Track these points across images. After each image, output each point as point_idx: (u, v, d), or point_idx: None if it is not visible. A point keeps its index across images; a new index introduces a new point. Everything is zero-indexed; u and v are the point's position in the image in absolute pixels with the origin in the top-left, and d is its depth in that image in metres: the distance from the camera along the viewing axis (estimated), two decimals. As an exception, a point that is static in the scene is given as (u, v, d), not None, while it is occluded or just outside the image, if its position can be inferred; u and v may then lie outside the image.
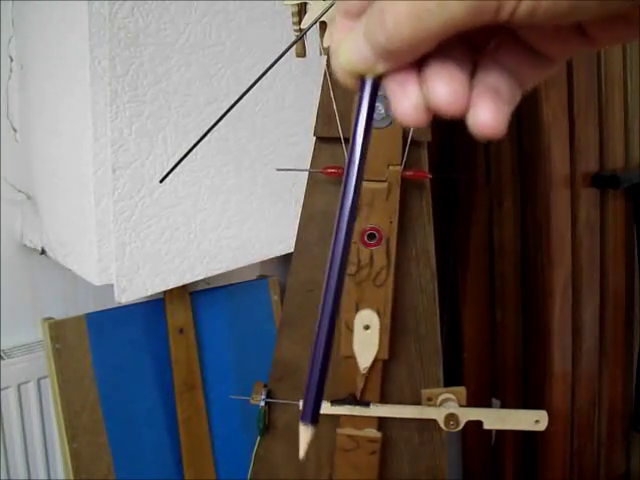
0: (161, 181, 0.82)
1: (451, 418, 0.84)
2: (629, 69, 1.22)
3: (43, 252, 1.15)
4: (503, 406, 1.33)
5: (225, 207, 1.12)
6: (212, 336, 1.29)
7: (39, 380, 1.19)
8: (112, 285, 1.01)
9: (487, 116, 0.25)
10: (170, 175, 0.79)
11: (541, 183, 1.18)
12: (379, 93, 0.27)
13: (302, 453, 0.28)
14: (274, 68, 0.63)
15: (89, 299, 1.24)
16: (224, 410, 1.29)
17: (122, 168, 0.96)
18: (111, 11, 0.89)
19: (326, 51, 0.72)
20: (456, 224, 1.33)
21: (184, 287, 1.19)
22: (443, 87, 0.25)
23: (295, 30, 0.71)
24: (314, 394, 0.28)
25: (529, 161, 1.21)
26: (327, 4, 0.66)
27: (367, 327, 0.83)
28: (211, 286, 1.29)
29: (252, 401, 0.92)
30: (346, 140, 0.82)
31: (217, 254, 1.12)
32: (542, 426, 0.85)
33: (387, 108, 0.76)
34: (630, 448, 1.39)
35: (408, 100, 0.25)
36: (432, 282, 0.86)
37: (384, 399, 0.88)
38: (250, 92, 0.64)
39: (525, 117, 1.19)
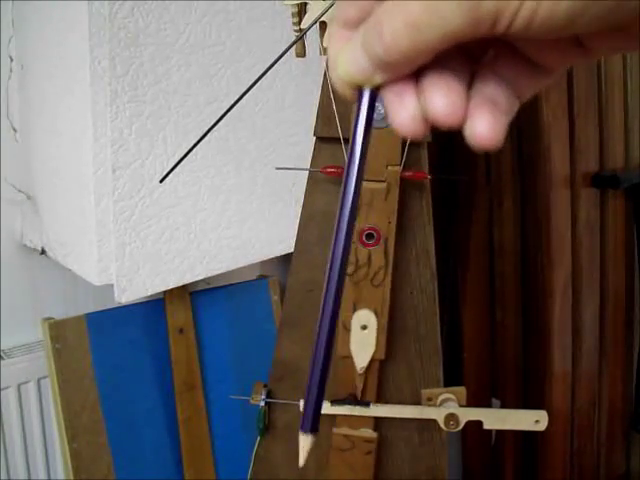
0: (161, 181, 0.82)
1: (451, 418, 0.84)
2: (629, 69, 1.22)
3: (43, 252, 1.15)
4: (503, 406, 1.33)
5: (225, 207, 1.12)
6: (212, 336, 1.29)
7: (39, 380, 1.19)
8: (112, 285, 1.01)
9: (484, 127, 0.25)
10: (170, 175, 0.79)
11: (541, 183, 1.18)
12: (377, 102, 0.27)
13: (302, 461, 0.29)
14: (274, 68, 0.63)
15: (89, 299, 1.24)
16: (224, 410, 1.29)
17: (122, 168, 0.96)
18: (111, 11, 0.89)
19: (326, 51, 0.72)
20: (456, 224, 1.33)
21: (184, 287, 1.19)
22: (440, 98, 0.25)
23: (295, 30, 0.71)
24: (314, 403, 0.28)
25: (529, 161, 1.21)
26: (327, 4, 0.66)
27: (364, 327, 0.83)
28: (211, 286, 1.29)
29: (252, 401, 0.92)
30: (346, 140, 0.82)
31: (217, 254, 1.12)
32: (542, 426, 0.85)
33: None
34: (630, 448, 1.39)
35: (405, 111, 0.26)
36: (432, 282, 0.86)
37: (383, 399, 0.88)
38: (250, 92, 0.64)
39: (525, 117, 1.19)
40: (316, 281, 0.87)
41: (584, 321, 1.24)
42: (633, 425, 1.34)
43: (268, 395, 0.91)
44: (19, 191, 1.16)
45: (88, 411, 1.15)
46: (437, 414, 0.85)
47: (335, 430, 0.87)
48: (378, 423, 0.89)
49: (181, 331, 1.24)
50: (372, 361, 0.85)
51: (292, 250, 0.89)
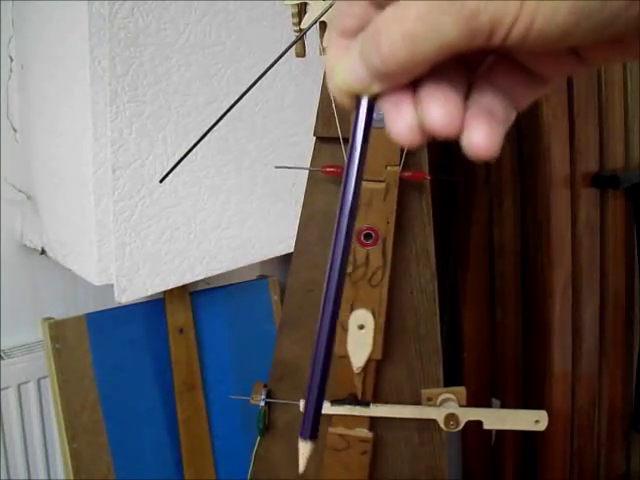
0: (161, 181, 0.82)
1: (451, 418, 0.84)
2: (629, 69, 1.22)
3: (43, 252, 1.15)
4: (503, 406, 1.33)
5: (225, 207, 1.12)
6: (212, 336, 1.29)
7: (39, 380, 1.19)
8: (112, 285, 1.01)
9: (481, 138, 0.25)
10: (170, 175, 0.79)
11: (541, 183, 1.18)
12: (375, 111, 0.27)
13: (302, 468, 0.29)
14: (274, 68, 0.63)
15: (89, 299, 1.24)
16: (224, 410, 1.29)
17: (122, 168, 0.96)
18: (111, 11, 0.89)
19: (326, 51, 0.72)
20: (456, 224, 1.33)
21: (184, 287, 1.19)
22: (438, 109, 0.25)
23: (295, 30, 0.71)
24: (313, 409, 0.28)
25: (529, 161, 1.21)
26: (327, 4, 0.66)
27: (361, 327, 0.83)
28: (211, 286, 1.29)
29: (252, 401, 0.92)
30: (345, 140, 0.82)
31: (217, 254, 1.12)
32: (542, 426, 0.85)
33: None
34: (630, 448, 1.39)
35: (403, 121, 0.26)
36: (432, 282, 0.86)
37: (383, 399, 0.88)
38: (250, 92, 0.64)
39: (525, 117, 1.19)
40: (316, 281, 0.87)
41: (584, 321, 1.24)
42: (633, 425, 1.34)
43: (268, 395, 0.91)
44: (19, 191, 1.16)
45: (88, 411, 1.15)
46: (437, 414, 0.85)
47: (331, 430, 0.87)
48: (374, 423, 0.89)
49: (181, 331, 1.24)
50: (369, 361, 0.84)
51: (292, 250, 0.89)
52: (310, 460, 0.28)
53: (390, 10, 0.24)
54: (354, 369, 0.84)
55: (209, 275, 1.14)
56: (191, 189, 1.06)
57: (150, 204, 1.01)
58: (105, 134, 0.94)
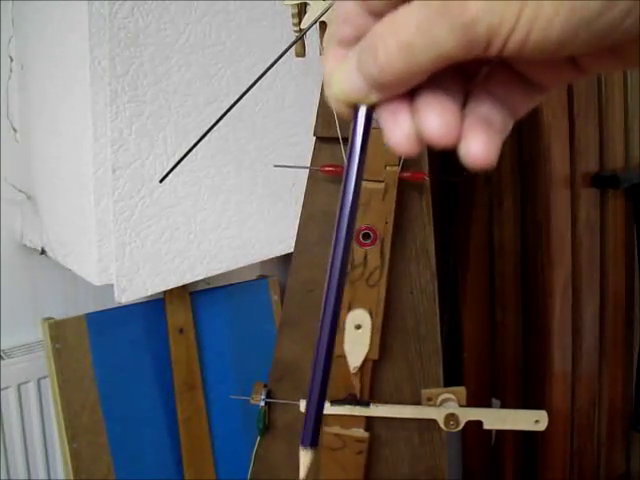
0: (161, 181, 0.82)
1: (451, 418, 0.84)
2: (629, 69, 1.22)
3: (43, 252, 1.15)
4: (503, 406, 1.33)
5: (225, 207, 1.12)
6: (212, 336, 1.29)
7: (39, 380, 1.19)
8: (112, 285, 1.01)
9: (478, 147, 0.25)
10: (170, 175, 0.79)
11: (541, 183, 1.18)
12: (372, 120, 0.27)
13: (302, 476, 0.29)
14: (274, 68, 0.63)
15: (89, 299, 1.24)
16: (224, 410, 1.29)
17: (122, 168, 0.96)
18: (111, 11, 0.89)
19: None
20: (456, 224, 1.33)
21: (184, 287, 1.19)
22: (435, 118, 0.25)
23: (295, 30, 0.71)
24: (313, 418, 0.28)
25: (529, 161, 1.21)
26: (327, 4, 0.66)
27: (359, 327, 0.83)
28: (211, 286, 1.29)
29: (252, 401, 0.92)
30: (345, 140, 0.82)
31: (217, 254, 1.12)
32: (542, 426, 0.85)
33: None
34: (630, 448, 1.39)
35: (400, 130, 0.26)
36: (432, 282, 0.86)
37: (383, 399, 0.88)
38: (250, 92, 0.64)
39: (525, 117, 1.18)
40: (316, 281, 0.87)
41: (584, 321, 1.24)
42: (633, 425, 1.34)
43: (268, 395, 0.91)
44: (19, 191, 1.16)
45: (88, 411, 1.15)
46: (437, 414, 0.85)
47: (327, 429, 0.87)
48: (373, 423, 0.89)
49: (181, 331, 1.24)
50: (366, 361, 0.84)
51: (292, 250, 0.89)
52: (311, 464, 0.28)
53: (387, 20, 0.24)
54: (351, 369, 0.84)
55: (209, 275, 1.14)
56: (191, 189, 1.06)
57: (150, 204, 1.01)
58: (105, 134, 0.94)
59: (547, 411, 0.85)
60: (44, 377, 1.19)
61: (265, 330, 1.34)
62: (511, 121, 0.27)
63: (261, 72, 0.63)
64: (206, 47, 1.02)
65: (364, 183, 0.78)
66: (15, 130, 1.14)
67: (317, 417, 0.28)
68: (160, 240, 1.04)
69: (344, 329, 0.83)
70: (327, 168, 0.83)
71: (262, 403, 0.91)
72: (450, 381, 0.93)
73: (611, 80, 1.21)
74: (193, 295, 1.26)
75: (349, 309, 0.83)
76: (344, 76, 0.26)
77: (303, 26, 0.69)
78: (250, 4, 1.06)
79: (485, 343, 1.35)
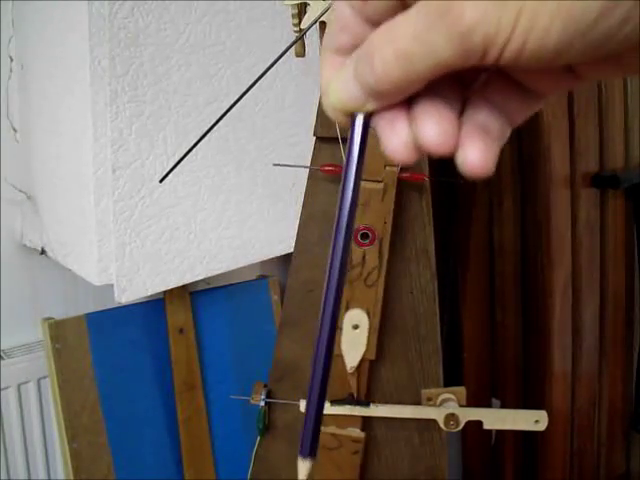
0: (161, 181, 0.82)
1: (451, 418, 0.84)
2: (629, 69, 1.22)
3: (43, 252, 1.15)
4: (503, 406, 1.33)
5: (225, 207, 1.12)
6: (212, 336, 1.29)
7: (39, 380, 1.19)
8: (112, 285, 1.01)
9: (476, 155, 0.25)
10: (170, 175, 0.79)
11: (541, 183, 1.18)
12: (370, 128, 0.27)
13: None
14: (274, 68, 0.63)
15: (89, 299, 1.24)
16: (224, 410, 1.29)
17: (122, 168, 0.96)
18: (111, 11, 0.89)
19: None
20: (456, 224, 1.33)
21: (184, 287, 1.19)
22: (432, 126, 0.25)
23: (295, 30, 0.71)
24: (312, 428, 0.28)
25: (529, 161, 1.21)
26: (327, 4, 0.66)
27: (356, 327, 0.83)
28: (211, 286, 1.29)
29: (252, 401, 0.92)
30: (345, 140, 0.82)
31: (217, 254, 1.12)
32: (542, 426, 0.85)
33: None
34: (630, 448, 1.39)
35: (397, 138, 0.26)
36: (432, 282, 0.86)
37: (383, 399, 0.88)
38: (250, 92, 0.64)
39: (525, 117, 1.18)
40: (316, 281, 0.87)
41: (584, 321, 1.24)
42: (633, 425, 1.34)
43: (268, 395, 0.91)
44: (19, 191, 1.16)
45: (88, 411, 1.15)
46: (437, 414, 0.85)
47: (323, 429, 0.87)
48: (371, 423, 0.89)
49: (181, 331, 1.24)
50: (363, 361, 0.84)
51: (292, 250, 0.89)
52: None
53: (383, 29, 0.24)
54: (348, 368, 0.84)
55: (209, 275, 1.14)
56: (191, 189, 1.06)
57: (150, 204, 1.01)
58: (105, 134, 0.94)
59: (547, 411, 0.85)
60: (44, 377, 1.19)
61: (265, 330, 1.34)
62: (509, 129, 0.27)
63: (261, 72, 0.63)
64: (206, 47, 1.02)
65: (363, 183, 0.78)
66: (15, 130, 1.14)
67: (316, 421, 0.28)
68: (160, 240, 1.04)
69: (341, 329, 0.83)
70: (327, 168, 0.83)
71: (262, 403, 0.91)
72: (450, 381, 0.93)
73: (611, 80, 1.21)
74: (193, 295, 1.26)
75: (347, 309, 0.83)
76: (341, 85, 0.26)
77: (303, 26, 0.69)
78: (250, 4, 1.06)
79: (485, 343, 1.35)
